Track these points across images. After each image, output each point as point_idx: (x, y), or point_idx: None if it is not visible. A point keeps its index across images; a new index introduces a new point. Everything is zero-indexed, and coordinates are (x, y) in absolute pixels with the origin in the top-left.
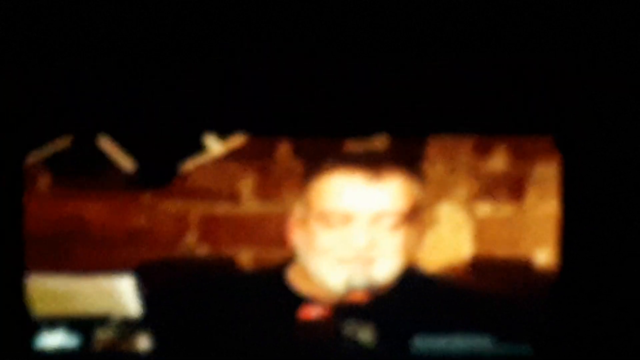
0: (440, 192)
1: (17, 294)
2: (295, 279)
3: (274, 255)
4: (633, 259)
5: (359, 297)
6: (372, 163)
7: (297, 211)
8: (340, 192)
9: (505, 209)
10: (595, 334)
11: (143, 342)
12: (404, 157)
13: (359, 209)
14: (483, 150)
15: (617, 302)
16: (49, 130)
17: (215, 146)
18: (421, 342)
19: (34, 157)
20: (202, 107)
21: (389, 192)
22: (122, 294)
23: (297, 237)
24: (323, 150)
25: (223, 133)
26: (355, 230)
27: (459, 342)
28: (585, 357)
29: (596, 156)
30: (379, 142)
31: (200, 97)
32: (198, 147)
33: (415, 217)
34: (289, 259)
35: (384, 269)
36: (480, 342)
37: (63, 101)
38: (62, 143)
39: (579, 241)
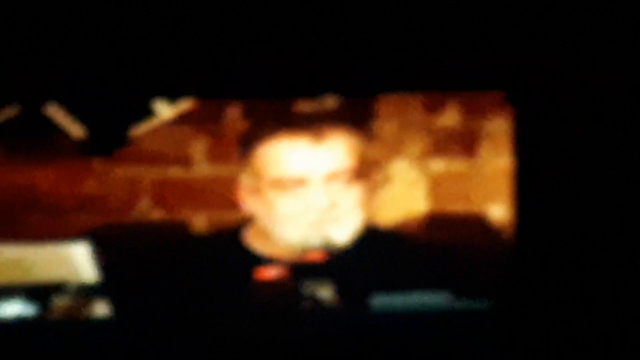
0: (393, 150)
1: None
2: (252, 239)
3: (228, 218)
4: (586, 212)
5: (317, 256)
6: (314, 125)
7: (245, 180)
8: (288, 158)
9: (459, 165)
10: (552, 286)
11: (100, 308)
12: (351, 116)
13: (310, 171)
14: (435, 107)
15: (573, 254)
16: None
17: (164, 110)
18: (379, 300)
19: None
20: (150, 71)
21: (335, 151)
22: (78, 261)
23: (251, 204)
24: (273, 112)
25: (172, 97)
26: (312, 193)
27: (417, 298)
28: (543, 309)
29: (547, 110)
30: (328, 103)
31: (148, 61)
32: (147, 112)
33: (365, 173)
34: (245, 220)
35: (346, 227)
36: (439, 298)
37: (9, 68)
38: (10, 111)
39: (533, 195)
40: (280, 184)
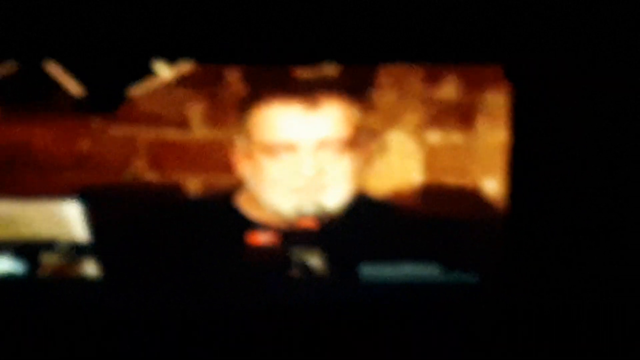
0: (390, 120)
1: None
2: (244, 204)
3: (222, 182)
4: (580, 188)
5: (309, 223)
6: (310, 91)
7: (240, 143)
8: (280, 123)
9: (455, 137)
10: (542, 262)
11: (90, 268)
12: (349, 85)
13: (301, 137)
14: (433, 78)
15: (564, 230)
16: None
17: (164, 72)
18: (369, 269)
19: None
20: (151, 32)
21: (329, 119)
22: (69, 219)
23: (243, 167)
24: (271, 77)
25: (172, 59)
26: (301, 159)
27: (406, 269)
28: (532, 285)
29: (545, 86)
30: (327, 70)
31: (149, 21)
32: (147, 73)
33: (359, 142)
34: (238, 185)
35: (334, 195)
36: (428, 270)
37: (9, 25)
38: (8, 68)
39: (526, 171)
40: (271, 149)
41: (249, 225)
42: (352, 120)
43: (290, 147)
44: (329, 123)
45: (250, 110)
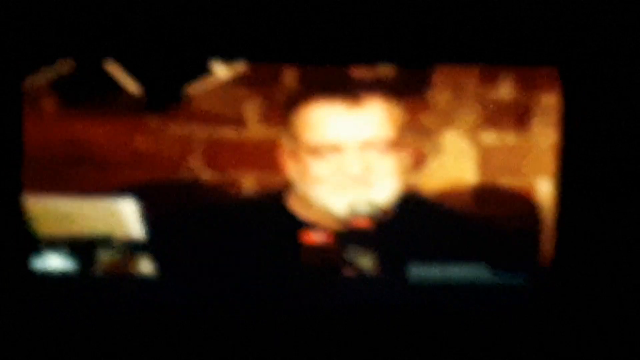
0: (445, 120)
1: (17, 215)
2: (294, 205)
3: (277, 181)
4: (631, 190)
5: (363, 223)
6: (359, 91)
7: (286, 143)
8: (325, 124)
9: (510, 138)
10: (592, 264)
11: (145, 265)
12: (404, 85)
13: (346, 138)
14: (489, 79)
15: (614, 233)
16: (52, 52)
17: (221, 71)
18: (418, 270)
19: (39, 80)
20: (209, 31)
21: (373, 119)
22: (125, 216)
23: (290, 167)
24: (326, 78)
25: (228, 59)
26: (347, 159)
27: (455, 270)
28: (581, 288)
29: (599, 89)
30: (383, 71)
31: (206, 22)
32: (204, 71)
33: (407, 141)
34: (288, 186)
35: (382, 192)
36: (476, 271)
37: (70, 24)
38: (68, 66)
39: (578, 172)
40: (316, 150)
41: (300, 225)
42: (398, 120)
43: (336, 148)
44: (373, 123)
45: (296, 111)
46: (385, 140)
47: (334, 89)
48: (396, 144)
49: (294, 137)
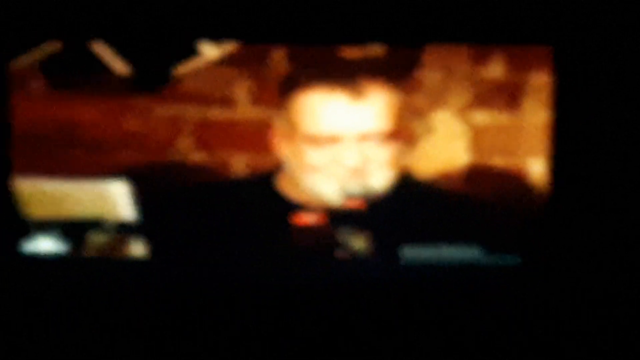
0: (437, 100)
1: (7, 198)
2: (284, 186)
3: (267, 161)
4: (623, 170)
5: (355, 204)
6: (354, 77)
7: (280, 125)
8: (324, 114)
9: (502, 118)
10: (584, 244)
11: (136, 247)
12: (394, 65)
13: (345, 129)
14: (480, 59)
15: (606, 212)
16: (39, 33)
17: (209, 51)
18: (411, 251)
19: (26, 61)
20: (197, 11)
21: (372, 111)
22: (115, 198)
23: (283, 149)
24: (315, 58)
25: (217, 39)
26: (344, 150)
27: (447, 251)
28: (573, 267)
29: (592, 68)
30: (373, 51)
31: (195, 1)
32: (192, 52)
33: (402, 129)
34: (277, 167)
35: (378, 180)
36: (468, 251)
37: (56, 4)
38: (55, 47)
39: (570, 152)
40: (314, 139)
41: (290, 206)
42: (395, 110)
43: (333, 139)
44: (372, 115)
45: (293, 94)
46: (384, 131)
47: (334, 70)
48: (394, 134)
49: (290, 123)
